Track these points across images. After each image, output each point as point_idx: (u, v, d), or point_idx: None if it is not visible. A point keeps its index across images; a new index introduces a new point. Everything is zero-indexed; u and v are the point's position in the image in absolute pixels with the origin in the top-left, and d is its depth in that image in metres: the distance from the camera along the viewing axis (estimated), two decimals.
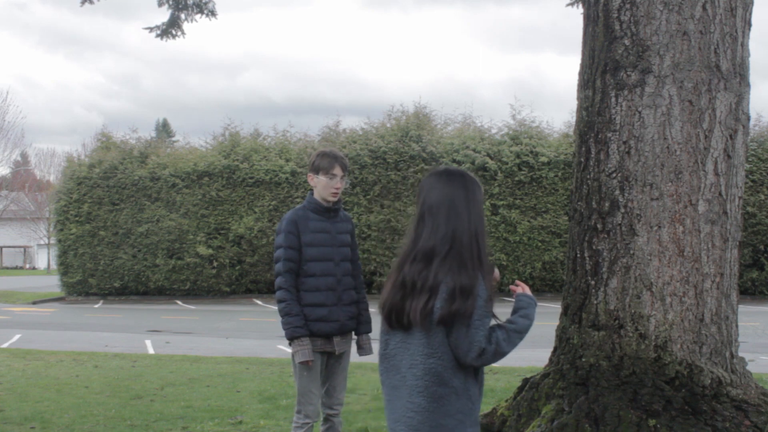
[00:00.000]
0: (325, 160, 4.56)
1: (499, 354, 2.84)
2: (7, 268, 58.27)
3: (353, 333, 4.71)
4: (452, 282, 2.78)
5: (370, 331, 4.73)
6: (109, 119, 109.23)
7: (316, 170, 4.57)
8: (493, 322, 2.87)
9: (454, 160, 23.58)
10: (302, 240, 4.47)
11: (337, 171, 4.55)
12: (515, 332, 2.87)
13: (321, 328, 4.48)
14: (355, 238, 4.76)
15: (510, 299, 3.07)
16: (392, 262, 3.01)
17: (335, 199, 4.60)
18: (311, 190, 4.64)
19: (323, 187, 4.56)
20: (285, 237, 4.48)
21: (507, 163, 23.86)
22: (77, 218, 25.95)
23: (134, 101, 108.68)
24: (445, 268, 2.81)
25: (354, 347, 4.74)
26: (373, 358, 8.25)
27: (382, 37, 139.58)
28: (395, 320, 2.89)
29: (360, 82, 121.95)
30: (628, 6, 4.74)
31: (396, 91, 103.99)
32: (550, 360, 5.03)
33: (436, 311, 2.79)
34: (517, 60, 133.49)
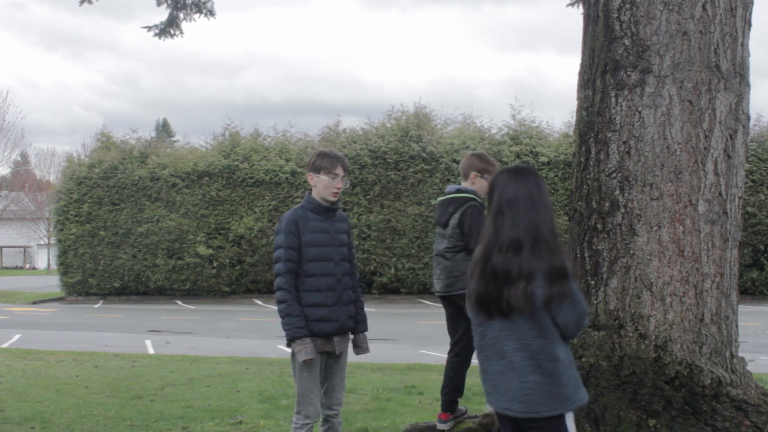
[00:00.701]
0: (326, 160, 4.56)
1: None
2: (7, 268, 58.25)
3: (350, 332, 4.71)
4: (547, 266, 3.09)
5: (366, 330, 4.74)
6: (108, 119, 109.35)
7: (317, 170, 4.56)
8: None
9: (454, 161, 23.57)
10: (302, 240, 4.46)
11: (339, 171, 4.56)
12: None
13: (322, 328, 4.47)
14: (351, 236, 4.77)
15: None
16: (473, 256, 3.28)
17: (335, 199, 4.60)
18: (309, 190, 4.63)
19: (324, 186, 4.55)
20: (285, 237, 4.45)
21: (507, 163, 23.82)
22: (77, 218, 25.96)
23: (134, 101, 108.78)
24: (535, 255, 3.10)
25: (350, 346, 4.74)
26: (373, 358, 8.19)
27: (382, 37, 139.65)
28: (494, 308, 3.14)
29: (359, 82, 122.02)
30: (628, 6, 4.73)
31: (395, 90, 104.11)
32: None
33: (538, 295, 3.07)
34: (517, 60, 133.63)
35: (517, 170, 3.30)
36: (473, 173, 5.18)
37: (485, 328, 3.22)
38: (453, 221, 5.07)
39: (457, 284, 5.05)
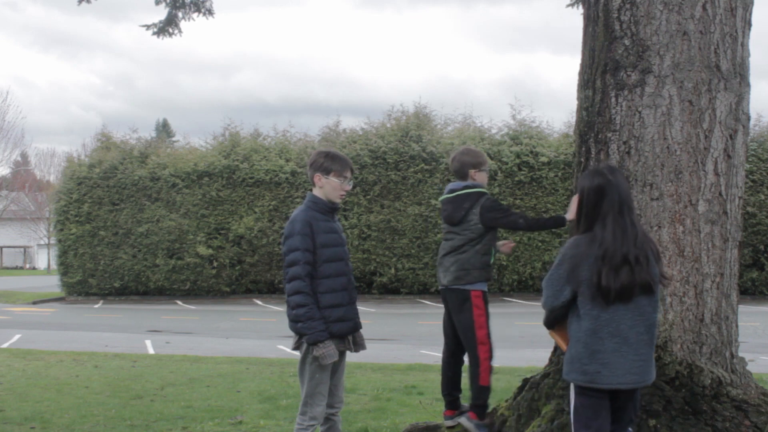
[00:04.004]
0: (337, 163, 4.55)
1: None
2: (7, 268, 58.24)
3: None
4: (654, 248, 3.68)
5: (361, 327, 4.76)
6: (105, 119, 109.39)
7: (326, 171, 4.54)
8: None
9: None
10: (317, 241, 4.43)
11: (348, 174, 4.59)
12: None
13: (340, 328, 4.49)
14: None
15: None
16: (595, 253, 3.63)
17: (340, 200, 4.63)
18: (310, 190, 4.63)
19: (333, 188, 4.55)
20: (302, 239, 4.39)
21: (507, 163, 23.84)
22: (77, 218, 25.96)
23: (130, 101, 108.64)
24: (647, 241, 3.67)
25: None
26: (373, 358, 8.16)
27: (376, 36, 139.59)
28: (625, 295, 3.53)
29: (353, 82, 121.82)
30: (628, 6, 4.73)
31: (389, 90, 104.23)
32: (550, 360, 5.03)
33: (656, 273, 3.61)
34: (511, 59, 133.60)
35: (617, 170, 3.82)
36: (471, 171, 5.23)
37: (599, 311, 3.55)
38: (473, 216, 5.05)
39: (467, 277, 5.05)
